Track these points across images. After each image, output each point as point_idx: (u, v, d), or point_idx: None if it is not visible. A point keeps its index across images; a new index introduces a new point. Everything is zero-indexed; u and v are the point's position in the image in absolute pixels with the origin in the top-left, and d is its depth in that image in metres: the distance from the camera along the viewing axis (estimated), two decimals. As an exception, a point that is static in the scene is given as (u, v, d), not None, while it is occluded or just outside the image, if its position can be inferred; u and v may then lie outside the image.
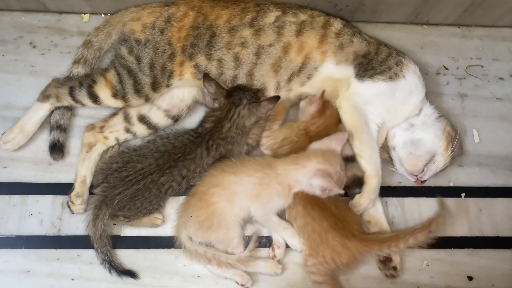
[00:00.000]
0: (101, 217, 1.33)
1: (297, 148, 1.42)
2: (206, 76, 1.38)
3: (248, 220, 1.38)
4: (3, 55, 1.55)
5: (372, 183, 1.40)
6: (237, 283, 1.38)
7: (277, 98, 1.39)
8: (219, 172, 1.36)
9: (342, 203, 1.40)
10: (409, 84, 1.45)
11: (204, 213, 1.33)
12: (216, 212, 1.33)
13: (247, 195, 1.33)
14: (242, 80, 1.42)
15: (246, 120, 1.39)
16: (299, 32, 1.41)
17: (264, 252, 1.42)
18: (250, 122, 1.40)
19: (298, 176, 1.33)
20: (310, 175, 1.31)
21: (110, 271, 1.36)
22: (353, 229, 1.35)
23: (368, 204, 1.40)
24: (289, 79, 1.43)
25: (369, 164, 1.40)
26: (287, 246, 1.40)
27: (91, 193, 1.41)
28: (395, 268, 1.42)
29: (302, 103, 1.46)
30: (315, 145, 1.39)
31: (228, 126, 1.39)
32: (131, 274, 1.38)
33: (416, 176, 1.45)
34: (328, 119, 1.45)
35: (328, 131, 1.43)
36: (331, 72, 1.42)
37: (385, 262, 1.42)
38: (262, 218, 1.36)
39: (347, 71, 1.43)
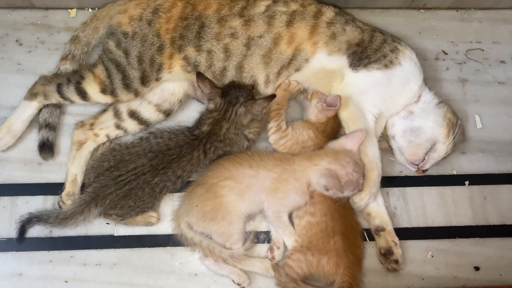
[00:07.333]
0: (86, 213, 1.29)
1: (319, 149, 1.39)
2: (200, 75, 1.34)
3: (251, 218, 1.36)
4: (-12, 54, 1.52)
5: (372, 176, 1.36)
6: (233, 281, 1.34)
7: (272, 96, 1.36)
8: (233, 165, 1.33)
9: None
10: (406, 71, 1.41)
11: (210, 204, 1.31)
12: (223, 205, 1.31)
13: (263, 190, 1.31)
14: (231, 72, 1.39)
15: (243, 119, 1.36)
16: (289, 23, 1.37)
17: (260, 247, 1.39)
18: (246, 120, 1.37)
19: (310, 174, 1.31)
20: (319, 174, 1.29)
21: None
22: (358, 250, 1.34)
23: (369, 198, 1.37)
24: (279, 72, 1.39)
25: (368, 156, 1.37)
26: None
27: (82, 193, 1.37)
28: (396, 262, 1.38)
29: (318, 106, 1.40)
30: (331, 144, 1.37)
31: (227, 127, 1.35)
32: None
33: (417, 165, 1.42)
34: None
35: (339, 128, 1.44)
36: (323, 63, 1.39)
37: (386, 255, 1.39)
38: (274, 215, 1.33)
39: (340, 61, 1.39)
